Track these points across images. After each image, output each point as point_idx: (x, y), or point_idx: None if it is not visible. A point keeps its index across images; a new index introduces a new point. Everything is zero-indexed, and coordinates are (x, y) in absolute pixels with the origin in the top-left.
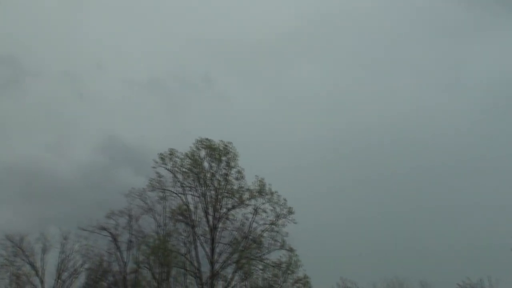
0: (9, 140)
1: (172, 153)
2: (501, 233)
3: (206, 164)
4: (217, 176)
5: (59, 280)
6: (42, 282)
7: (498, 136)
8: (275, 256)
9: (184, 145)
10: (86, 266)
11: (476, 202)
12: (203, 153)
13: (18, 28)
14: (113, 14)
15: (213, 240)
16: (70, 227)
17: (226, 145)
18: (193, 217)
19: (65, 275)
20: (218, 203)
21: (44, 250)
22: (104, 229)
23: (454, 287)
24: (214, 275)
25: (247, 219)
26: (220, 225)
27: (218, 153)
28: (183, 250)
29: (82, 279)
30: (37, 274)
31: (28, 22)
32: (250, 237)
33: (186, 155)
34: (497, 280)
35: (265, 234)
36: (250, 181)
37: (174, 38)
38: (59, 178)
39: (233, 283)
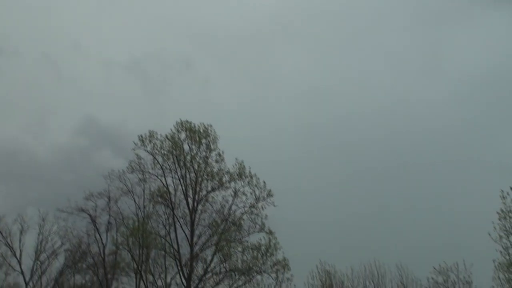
0: None
1: (151, 135)
2: (478, 219)
3: (186, 147)
4: (197, 159)
5: (37, 261)
6: (20, 263)
7: (479, 124)
8: (254, 238)
9: (164, 128)
10: (65, 247)
11: (455, 189)
12: (183, 135)
13: None
14: None
15: (192, 222)
16: (48, 209)
17: (206, 128)
18: (173, 199)
19: (43, 256)
20: (198, 186)
21: (22, 232)
22: (82, 210)
23: (430, 269)
24: (193, 257)
25: (227, 201)
26: (200, 207)
27: (198, 135)
28: (162, 232)
29: (60, 260)
30: (14, 255)
31: (4, 1)
32: (230, 219)
33: (166, 137)
34: (471, 264)
35: (244, 217)
36: (230, 164)
37: (154, 19)
38: (37, 159)
39: (212, 265)
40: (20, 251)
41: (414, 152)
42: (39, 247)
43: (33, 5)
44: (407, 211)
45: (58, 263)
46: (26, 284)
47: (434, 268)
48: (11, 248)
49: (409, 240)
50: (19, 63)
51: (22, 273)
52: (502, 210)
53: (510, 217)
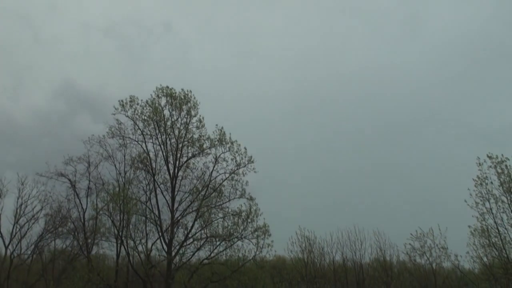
0: None
1: (132, 100)
2: (454, 185)
3: (166, 113)
4: (178, 125)
5: (16, 225)
6: None
7: (454, 91)
8: (235, 205)
9: (144, 92)
10: (45, 212)
11: (433, 155)
12: (163, 101)
13: None
14: None
15: (173, 188)
16: (27, 172)
17: (186, 94)
18: (154, 165)
19: (23, 220)
20: (179, 152)
21: (1, 195)
22: (62, 175)
23: (407, 236)
24: (174, 223)
25: (207, 168)
26: (181, 173)
27: (179, 101)
28: (143, 198)
29: (40, 224)
30: None
31: None
32: (211, 186)
33: (147, 102)
34: (446, 228)
35: (225, 183)
36: (210, 131)
37: None
38: (15, 122)
39: (193, 231)
40: None
41: (393, 115)
42: (18, 211)
43: None
44: (385, 177)
45: (38, 227)
46: (6, 247)
47: (411, 234)
48: None
49: (386, 206)
50: None
51: (2, 236)
52: (478, 177)
53: (486, 184)
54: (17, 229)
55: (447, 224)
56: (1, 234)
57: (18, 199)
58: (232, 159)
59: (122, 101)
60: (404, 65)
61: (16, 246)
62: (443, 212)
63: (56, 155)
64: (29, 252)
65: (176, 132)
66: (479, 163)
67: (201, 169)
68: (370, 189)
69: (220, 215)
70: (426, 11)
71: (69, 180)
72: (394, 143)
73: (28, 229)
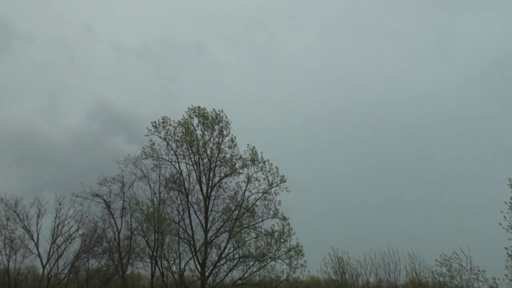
0: (1, 103)
1: (164, 121)
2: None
3: (199, 133)
4: (210, 145)
5: (54, 245)
6: (37, 246)
7: (484, 104)
8: (268, 224)
9: (176, 112)
10: (81, 231)
11: (465, 177)
12: (195, 121)
13: None
14: None
15: (206, 208)
16: (63, 192)
17: (218, 113)
18: (187, 185)
19: (60, 240)
20: (212, 172)
21: (39, 215)
22: (97, 195)
23: (437, 257)
24: (207, 243)
25: (240, 187)
26: (213, 193)
27: (211, 121)
28: (176, 218)
29: (77, 244)
30: (32, 238)
31: None
32: (243, 205)
33: (179, 123)
34: (469, 249)
35: (258, 203)
36: (242, 149)
37: (164, 4)
38: (51, 143)
39: (226, 251)
40: (37, 234)
41: (423, 141)
42: (55, 231)
43: None
44: (419, 200)
45: (74, 247)
46: (43, 267)
47: (436, 260)
48: (28, 231)
49: (421, 228)
50: (33, 47)
51: (39, 256)
52: None
53: None
54: (54, 249)
55: (482, 246)
56: (39, 253)
57: (55, 219)
58: (264, 179)
59: (155, 122)
60: (435, 84)
61: (54, 265)
62: (477, 233)
63: (91, 174)
64: (65, 272)
65: (209, 152)
66: (511, 185)
67: (233, 188)
68: (404, 210)
69: (253, 235)
70: (457, 30)
71: (104, 200)
72: (427, 164)
73: (65, 248)
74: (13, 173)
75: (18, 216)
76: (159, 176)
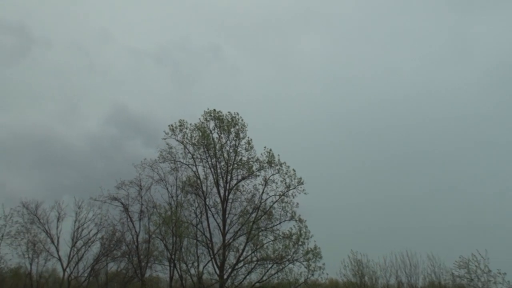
0: (20, 109)
1: (182, 124)
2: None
3: (215, 136)
4: (227, 148)
5: (74, 248)
6: (57, 249)
7: (506, 109)
8: (285, 227)
9: (193, 115)
10: (100, 235)
11: (485, 178)
12: (211, 124)
13: None
14: None
15: (224, 211)
16: (82, 195)
17: (234, 116)
18: (204, 188)
19: (80, 243)
20: (229, 175)
21: (59, 219)
22: (115, 199)
23: (456, 259)
24: (225, 246)
25: (257, 190)
26: (231, 196)
27: (227, 124)
28: (194, 221)
29: (96, 247)
30: (52, 242)
31: None
32: (261, 208)
33: (196, 126)
34: (486, 251)
35: (275, 205)
36: (259, 152)
37: (181, 8)
38: (70, 146)
39: (244, 253)
40: (58, 237)
41: (441, 139)
42: (75, 234)
43: None
44: (438, 201)
45: (94, 250)
46: (64, 270)
47: (455, 261)
48: (49, 235)
49: (440, 230)
50: (52, 53)
51: (60, 259)
52: None
53: None
54: (74, 252)
55: (502, 247)
56: (59, 256)
57: (75, 222)
58: (281, 181)
59: (172, 125)
60: (454, 87)
61: (74, 268)
62: (496, 235)
63: (109, 178)
64: (85, 275)
65: (225, 154)
66: None
67: (250, 191)
68: (423, 211)
69: (271, 237)
70: (474, 33)
71: (122, 203)
72: (446, 164)
73: (84, 252)
74: (33, 176)
75: (39, 219)
76: (176, 179)
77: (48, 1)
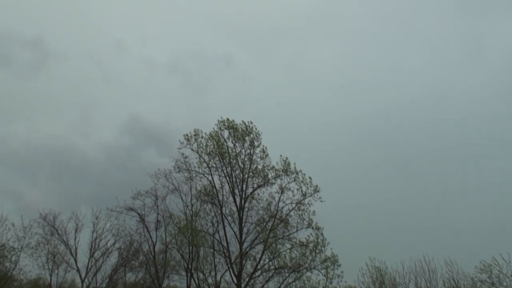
0: (37, 121)
1: (196, 133)
2: None
3: (230, 144)
4: (242, 156)
5: (92, 259)
6: (76, 260)
7: None
8: (302, 234)
9: (207, 124)
10: (117, 245)
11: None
12: (226, 133)
13: (44, 11)
14: None
15: (240, 220)
16: (99, 205)
17: (247, 125)
18: (220, 197)
19: (97, 253)
20: (244, 183)
21: (77, 229)
22: (131, 209)
23: (476, 263)
24: (242, 255)
25: (273, 198)
26: (247, 204)
27: (241, 133)
28: (211, 230)
29: (114, 257)
30: (71, 253)
31: (52, 6)
32: (277, 216)
33: (210, 135)
34: (509, 255)
35: (292, 213)
36: (274, 160)
37: (193, 18)
38: (86, 157)
39: (261, 262)
40: (76, 248)
41: (459, 143)
42: (93, 245)
43: (78, 7)
44: (455, 205)
45: (111, 260)
46: (82, 281)
47: (476, 266)
48: (67, 246)
49: (458, 234)
50: (68, 65)
51: (78, 270)
52: None
53: None
54: (93, 263)
55: None
56: (78, 267)
57: (93, 233)
58: (297, 189)
59: (187, 135)
60: (466, 90)
61: (92, 279)
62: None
63: (125, 187)
64: (104, 285)
65: (241, 163)
66: None
67: (267, 199)
68: (439, 216)
69: (288, 245)
70: (488, 35)
71: (138, 214)
72: (463, 169)
73: (102, 262)
74: (51, 187)
75: (57, 231)
76: (190, 189)
77: (64, 15)
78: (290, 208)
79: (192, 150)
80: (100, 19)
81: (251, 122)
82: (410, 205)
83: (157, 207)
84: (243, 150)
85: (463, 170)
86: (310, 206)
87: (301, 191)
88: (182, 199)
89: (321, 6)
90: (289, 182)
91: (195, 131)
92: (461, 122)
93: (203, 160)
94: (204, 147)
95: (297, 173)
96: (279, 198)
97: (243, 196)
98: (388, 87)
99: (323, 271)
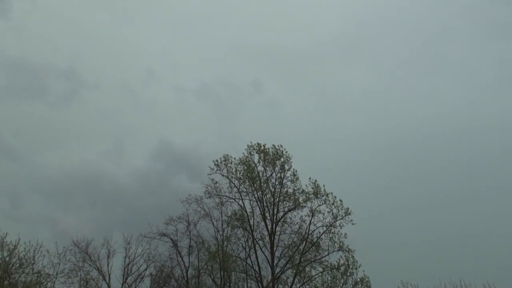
0: (70, 148)
1: (226, 159)
2: None
3: (260, 169)
4: (272, 180)
5: (124, 284)
6: (109, 286)
7: None
8: (334, 257)
9: (237, 149)
10: (149, 271)
11: None
12: (256, 157)
13: (76, 43)
14: (161, 25)
15: (272, 244)
16: (132, 231)
17: (278, 149)
18: (251, 222)
19: (130, 279)
20: (275, 207)
21: (109, 255)
22: (164, 235)
23: None
24: (275, 279)
25: (304, 221)
26: (278, 229)
27: (272, 157)
28: (242, 255)
29: (146, 283)
30: (104, 279)
31: (84, 37)
32: (309, 239)
33: (240, 160)
34: None
35: (323, 236)
36: (303, 183)
37: (221, 45)
38: (118, 184)
39: (293, 286)
40: (109, 274)
41: (493, 172)
42: (126, 270)
43: (110, 38)
44: (491, 229)
45: (144, 286)
46: None
47: None
48: (100, 272)
49: (495, 258)
50: (99, 94)
51: None
52: None
53: None
54: None
55: None
56: None
57: (125, 258)
58: (328, 212)
59: (217, 160)
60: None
61: None
62: None
63: (157, 212)
64: None
65: (271, 187)
66: None
67: (297, 223)
68: (475, 240)
69: (319, 269)
70: None
71: (171, 239)
72: (499, 194)
73: (135, 287)
74: (84, 214)
75: (90, 257)
76: (221, 214)
77: (96, 45)
78: (321, 231)
79: (222, 175)
80: (131, 48)
81: (281, 146)
82: (445, 227)
83: (190, 232)
84: (273, 174)
85: (496, 195)
86: (341, 228)
87: (332, 213)
88: (213, 224)
89: (349, 31)
90: (319, 205)
91: (224, 157)
92: (501, 148)
93: (233, 185)
94: (234, 172)
95: (327, 195)
96: (310, 221)
97: (274, 220)
98: (423, 113)
99: None
